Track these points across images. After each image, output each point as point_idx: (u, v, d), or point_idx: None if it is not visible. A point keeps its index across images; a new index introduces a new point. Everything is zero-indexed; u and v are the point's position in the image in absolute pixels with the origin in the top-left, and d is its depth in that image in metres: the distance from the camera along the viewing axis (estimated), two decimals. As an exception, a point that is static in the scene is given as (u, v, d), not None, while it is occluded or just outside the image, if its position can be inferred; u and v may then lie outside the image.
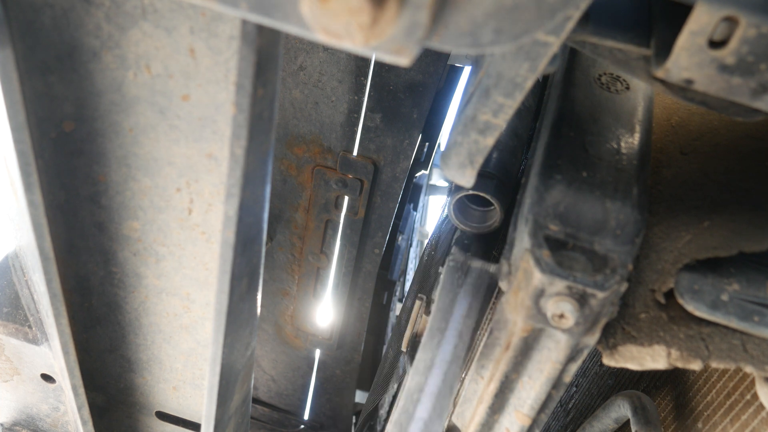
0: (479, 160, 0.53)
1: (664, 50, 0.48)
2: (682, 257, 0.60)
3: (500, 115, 0.49)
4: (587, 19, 0.53)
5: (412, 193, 1.77)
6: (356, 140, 1.18)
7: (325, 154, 1.21)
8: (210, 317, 0.74)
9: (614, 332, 0.61)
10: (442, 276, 0.58)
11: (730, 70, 0.45)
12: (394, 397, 1.32)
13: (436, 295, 0.60)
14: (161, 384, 0.89)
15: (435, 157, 1.66)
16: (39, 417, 1.03)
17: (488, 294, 0.61)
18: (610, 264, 0.56)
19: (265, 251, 1.03)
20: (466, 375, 0.92)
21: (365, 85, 1.11)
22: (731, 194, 0.67)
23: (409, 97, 1.10)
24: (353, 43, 0.33)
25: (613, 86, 0.73)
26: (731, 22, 0.42)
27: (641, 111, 0.71)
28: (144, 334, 0.81)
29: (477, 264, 0.61)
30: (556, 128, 0.66)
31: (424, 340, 0.58)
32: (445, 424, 0.93)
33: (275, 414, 1.76)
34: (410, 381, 0.57)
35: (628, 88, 0.73)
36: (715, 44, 0.44)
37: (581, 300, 0.54)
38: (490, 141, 0.51)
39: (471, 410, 0.73)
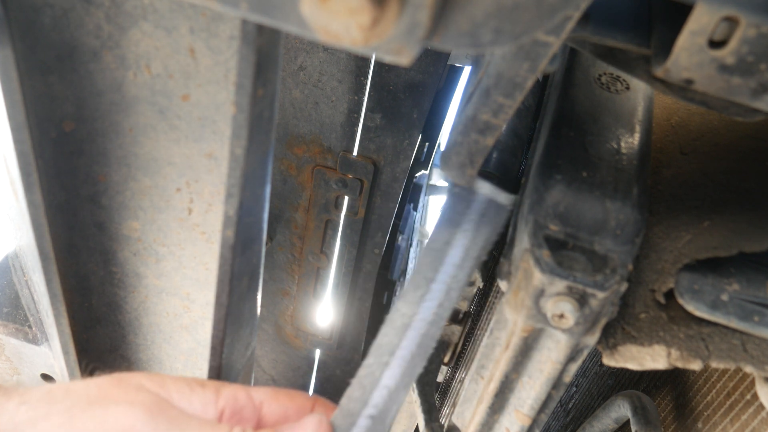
0: (479, 160, 0.53)
1: (664, 50, 0.48)
2: (682, 257, 0.60)
3: (500, 115, 0.49)
4: (587, 19, 0.53)
5: (412, 193, 1.77)
6: (356, 140, 1.18)
7: (325, 154, 1.21)
8: (210, 317, 0.74)
9: (614, 332, 0.61)
10: (442, 208, 0.48)
11: (730, 70, 0.45)
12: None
13: (431, 233, 0.49)
14: (161, 384, 0.89)
15: (435, 157, 1.66)
16: (39, 417, 1.02)
17: (490, 236, 0.50)
18: (610, 264, 0.56)
19: (265, 251, 1.03)
20: (466, 375, 0.92)
21: (365, 85, 1.11)
22: (731, 194, 0.67)
23: (409, 97, 1.10)
24: (353, 43, 0.33)
25: (613, 86, 0.73)
26: (731, 22, 0.42)
27: (641, 111, 0.71)
28: (144, 334, 0.81)
29: (486, 190, 0.49)
30: (556, 128, 0.66)
31: (407, 288, 0.50)
32: (445, 424, 0.93)
33: (275, 414, 1.76)
34: (382, 336, 0.50)
35: (628, 88, 0.73)
36: (715, 44, 0.44)
37: (581, 300, 0.54)
38: (490, 141, 0.51)
39: (471, 410, 0.73)
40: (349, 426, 0.48)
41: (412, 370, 0.50)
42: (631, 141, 0.67)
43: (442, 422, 0.99)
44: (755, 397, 0.81)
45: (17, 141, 0.58)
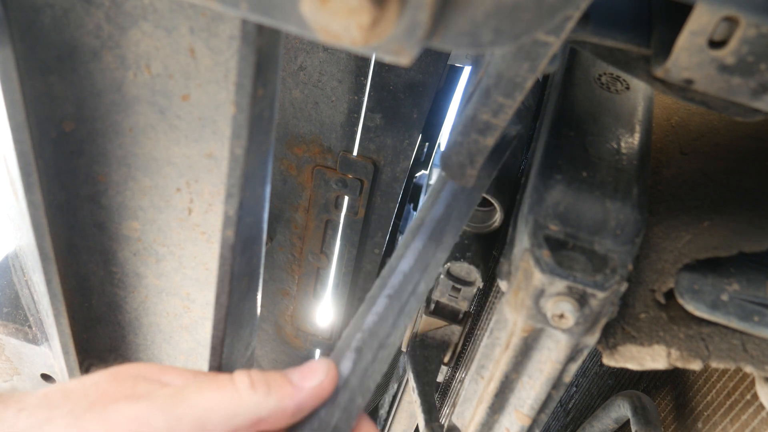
0: (479, 160, 0.54)
1: (664, 50, 0.48)
2: (682, 257, 0.60)
3: (500, 115, 0.49)
4: (587, 19, 0.53)
5: (412, 193, 1.77)
6: (356, 140, 1.18)
7: (325, 154, 1.21)
8: (210, 317, 0.74)
9: (614, 332, 0.61)
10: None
11: (730, 70, 0.45)
12: (394, 396, 1.32)
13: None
14: (161, 384, 0.89)
15: (435, 157, 1.66)
16: (39, 417, 1.02)
17: (493, 162, 0.60)
18: (610, 264, 0.56)
19: (265, 251, 1.03)
20: (466, 375, 0.92)
21: (365, 85, 1.11)
22: (731, 194, 0.67)
23: (409, 97, 1.10)
24: (353, 43, 0.33)
25: (613, 86, 0.73)
26: (731, 22, 0.42)
27: (641, 111, 0.71)
28: (144, 334, 0.81)
29: None
30: (556, 128, 0.66)
31: (419, 209, 0.60)
32: (445, 424, 0.93)
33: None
34: (401, 240, 0.58)
35: (628, 88, 0.73)
36: (715, 44, 0.44)
37: (581, 300, 0.54)
38: (490, 141, 0.51)
39: (471, 410, 0.73)
40: (370, 306, 0.55)
41: (425, 257, 0.56)
42: (631, 141, 0.67)
43: (442, 422, 0.99)
44: (755, 397, 0.81)
45: (17, 141, 0.58)
